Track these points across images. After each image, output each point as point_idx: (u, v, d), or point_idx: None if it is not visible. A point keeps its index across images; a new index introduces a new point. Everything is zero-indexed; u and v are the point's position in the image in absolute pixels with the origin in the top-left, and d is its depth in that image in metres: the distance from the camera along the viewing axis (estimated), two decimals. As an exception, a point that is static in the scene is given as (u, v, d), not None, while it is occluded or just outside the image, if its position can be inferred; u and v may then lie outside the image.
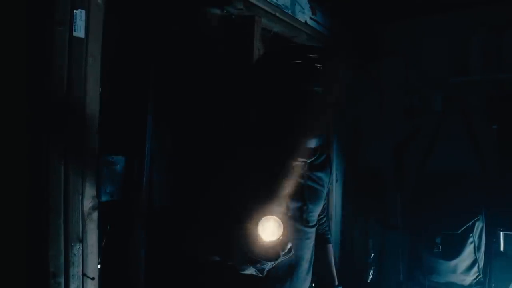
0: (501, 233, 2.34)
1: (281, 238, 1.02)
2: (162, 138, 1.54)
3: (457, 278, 2.35)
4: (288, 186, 1.19)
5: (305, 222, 1.28)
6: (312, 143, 1.26)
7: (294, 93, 1.17)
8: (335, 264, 1.55)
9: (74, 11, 1.17)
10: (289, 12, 2.11)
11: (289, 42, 2.23)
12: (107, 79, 1.33)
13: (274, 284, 1.21)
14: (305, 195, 1.27)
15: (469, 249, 2.30)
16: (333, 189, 2.76)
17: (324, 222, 1.53)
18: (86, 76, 1.22)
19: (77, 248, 1.21)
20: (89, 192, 1.25)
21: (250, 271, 1.07)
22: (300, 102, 1.17)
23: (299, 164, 1.25)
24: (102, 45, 1.27)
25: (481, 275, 2.34)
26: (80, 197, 1.22)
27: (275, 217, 1.03)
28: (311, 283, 1.41)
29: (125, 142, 1.45)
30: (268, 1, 1.91)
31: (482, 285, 2.35)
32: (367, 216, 2.93)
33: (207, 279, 1.26)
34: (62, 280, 1.17)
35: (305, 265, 1.31)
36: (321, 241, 1.49)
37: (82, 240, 1.23)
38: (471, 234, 2.30)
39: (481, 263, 2.32)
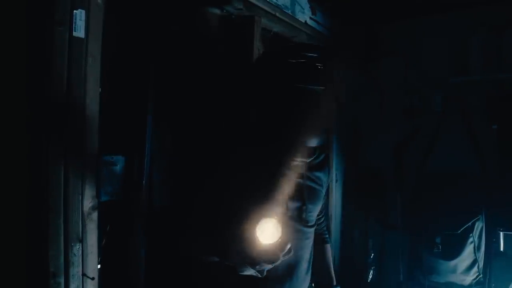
0: (501, 233, 2.35)
1: (280, 240, 1.01)
2: (162, 138, 1.54)
3: (457, 278, 2.35)
4: (287, 186, 1.19)
5: (304, 222, 1.28)
6: (313, 142, 1.25)
7: (292, 92, 1.16)
8: (334, 264, 1.55)
9: (74, 11, 1.17)
10: (289, 12, 2.12)
11: (289, 42, 2.23)
12: (107, 79, 1.33)
13: (273, 284, 1.21)
14: (304, 195, 1.26)
15: (469, 249, 2.30)
16: (333, 189, 2.76)
17: (322, 222, 1.53)
18: (86, 76, 1.22)
19: (77, 248, 1.21)
20: (89, 192, 1.25)
21: (250, 272, 1.06)
22: (298, 101, 1.17)
23: (298, 164, 1.25)
24: (102, 45, 1.27)
25: (481, 275, 2.34)
26: (80, 197, 1.22)
27: (274, 219, 1.02)
28: (310, 283, 1.41)
29: (125, 142, 1.45)
30: (268, 1, 1.92)
31: (482, 285, 2.35)
32: (367, 216, 2.93)
33: (203, 279, 1.26)
34: (62, 280, 1.17)
35: (305, 265, 1.31)
36: (319, 241, 1.49)
37: (82, 240, 1.23)
38: (471, 234, 2.30)
39: (481, 263, 2.32)
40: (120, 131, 1.45)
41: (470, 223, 2.30)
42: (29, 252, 1.15)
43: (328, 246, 1.57)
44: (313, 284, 1.54)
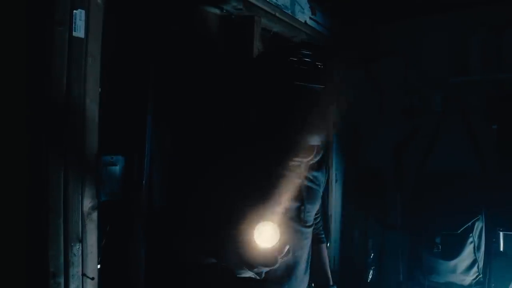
0: (501, 233, 2.35)
1: (278, 243, 1.00)
2: (161, 138, 1.54)
3: (456, 278, 2.35)
4: (286, 186, 1.19)
5: (303, 223, 1.28)
6: (312, 141, 1.25)
7: (292, 90, 1.16)
8: (334, 264, 1.55)
9: (74, 11, 1.17)
10: (289, 12, 2.12)
11: (289, 42, 2.23)
12: (107, 79, 1.33)
13: (272, 285, 1.20)
14: (303, 195, 1.26)
15: (468, 249, 2.30)
16: (333, 189, 2.76)
17: (319, 222, 1.53)
18: (86, 76, 1.22)
19: (77, 248, 1.21)
20: (89, 192, 1.25)
21: (248, 274, 1.06)
22: (297, 99, 1.17)
23: (296, 163, 1.25)
24: (102, 45, 1.27)
25: (481, 275, 2.34)
26: (80, 197, 1.22)
27: (271, 223, 1.02)
28: (310, 283, 1.41)
29: (125, 142, 1.45)
30: (267, 1, 1.92)
31: (482, 285, 2.35)
32: (367, 216, 2.93)
33: (201, 280, 1.25)
34: (62, 280, 1.17)
35: (303, 265, 1.30)
36: (315, 241, 1.49)
37: (82, 240, 1.23)
38: (470, 234, 2.30)
39: (480, 263, 2.32)
40: (120, 131, 1.45)
41: (470, 223, 2.30)
42: (29, 252, 1.15)
43: (324, 246, 1.57)
44: (313, 284, 1.54)
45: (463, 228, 2.30)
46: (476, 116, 2.57)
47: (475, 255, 2.31)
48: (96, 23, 1.24)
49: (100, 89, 1.27)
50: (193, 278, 1.27)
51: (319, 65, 1.18)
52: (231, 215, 1.08)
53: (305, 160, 1.26)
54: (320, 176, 1.35)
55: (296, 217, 1.25)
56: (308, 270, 1.35)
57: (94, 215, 1.27)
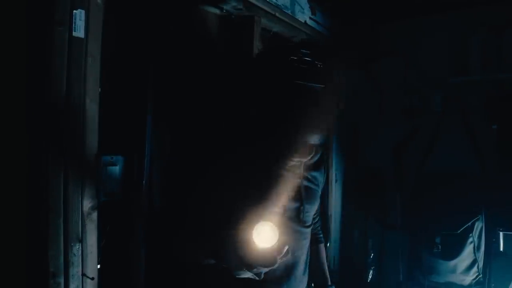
0: (501, 233, 2.35)
1: (277, 244, 1.00)
2: (161, 138, 1.54)
3: (456, 278, 2.35)
4: (285, 187, 1.19)
5: (302, 223, 1.27)
6: (312, 140, 1.24)
7: (291, 88, 1.16)
8: (334, 264, 1.55)
9: (74, 11, 1.17)
10: (289, 12, 2.11)
11: (289, 42, 2.23)
12: (106, 79, 1.33)
13: (271, 286, 1.20)
14: (302, 196, 1.26)
15: (468, 249, 2.30)
16: (333, 189, 2.76)
17: (317, 221, 1.52)
18: (86, 76, 1.22)
19: (76, 248, 1.21)
20: (89, 192, 1.25)
21: (247, 275, 1.05)
22: (297, 98, 1.16)
23: (295, 163, 1.25)
24: (102, 45, 1.27)
25: (481, 275, 2.34)
26: (80, 197, 1.22)
27: (270, 223, 1.01)
28: (310, 284, 1.41)
29: (124, 142, 1.45)
30: (267, 1, 1.92)
31: (482, 285, 2.35)
32: (366, 216, 2.93)
33: (199, 281, 1.25)
34: (62, 280, 1.17)
35: (302, 265, 1.30)
36: (313, 241, 1.48)
37: (81, 240, 1.23)
38: (470, 234, 2.30)
39: (480, 263, 2.32)
40: (120, 131, 1.45)
41: (469, 223, 2.30)
42: (29, 252, 1.15)
43: (322, 246, 1.57)
44: (312, 284, 1.54)
45: (463, 228, 2.30)
46: (476, 116, 2.57)
47: (475, 255, 2.31)
48: (96, 23, 1.24)
49: (100, 89, 1.27)
50: (193, 278, 1.27)
51: (319, 64, 1.18)
52: (231, 215, 1.08)
53: (303, 160, 1.26)
54: (319, 176, 1.35)
55: (295, 218, 1.25)
56: (307, 271, 1.35)
57: (94, 215, 1.27)
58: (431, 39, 2.72)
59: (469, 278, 2.34)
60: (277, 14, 1.98)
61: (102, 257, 1.32)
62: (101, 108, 1.27)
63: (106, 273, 1.36)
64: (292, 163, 1.24)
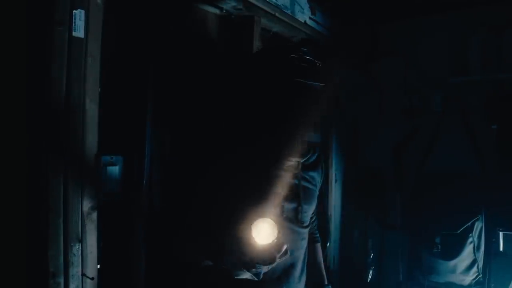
0: (501, 233, 2.35)
1: (276, 240, 1.00)
2: (161, 138, 1.54)
3: (456, 278, 2.35)
4: (283, 187, 1.19)
5: (300, 223, 1.27)
6: (312, 138, 1.24)
7: (291, 86, 1.15)
8: (334, 264, 1.55)
9: (74, 11, 1.17)
10: (289, 12, 2.11)
11: (289, 42, 2.23)
12: (106, 79, 1.33)
13: (270, 286, 1.20)
14: (300, 196, 1.26)
15: (468, 249, 2.30)
16: (333, 189, 2.76)
17: (314, 221, 1.52)
18: (86, 76, 1.22)
19: (76, 248, 1.21)
20: (89, 192, 1.25)
21: (246, 275, 1.05)
22: (297, 95, 1.16)
23: (292, 164, 1.25)
24: (102, 45, 1.27)
25: (481, 275, 2.34)
26: (80, 197, 1.22)
27: (269, 219, 1.01)
28: (310, 284, 1.41)
29: (124, 142, 1.45)
30: (267, 1, 1.91)
31: (482, 285, 2.35)
32: (366, 216, 2.93)
33: (198, 282, 1.25)
34: (62, 280, 1.17)
35: (300, 266, 1.30)
36: (310, 240, 1.48)
37: (81, 240, 1.23)
38: (470, 234, 2.30)
39: (480, 263, 2.32)
40: (120, 131, 1.45)
41: (469, 223, 2.30)
42: (29, 252, 1.15)
43: (319, 246, 1.57)
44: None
45: (462, 228, 2.30)
46: (475, 116, 2.57)
47: (474, 255, 2.31)
48: (96, 23, 1.25)
49: (100, 89, 1.27)
50: (193, 278, 1.27)
51: (318, 63, 1.18)
52: (230, 215, 1.08)
53: (301, 160, 1.26)
54: (316, 176, 1.35)
55: (293, 218, 1.25)
56: (305, 271, 1.35)
57: (94, 215, 1.27)
58: (431, 39, 2.72)
59: (469, 278, 2.34)
60: (277, 14, 1.98)
61: (102, 257, 1.32)
62: (101, 108, 1.27)
63: (106, 273, 1.36)
64: (290, 163, 1.24)
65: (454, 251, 2.31)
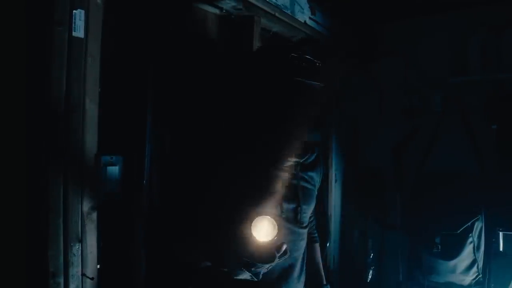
0: (501, 233, 2.34)
1: (275, 238, 0.99)
2: (161, 138, 1.54)
3: (456, 278, 2.35)
4: (282, 187, 1.18)
5: (299, 224, 1.27)
6: (311, 138, 1.24)
7: (290, 85, 1.15)
8: (334, 264, 1.55)
9: (74, 11, 1.17)
10: (289, 12, 2.11)
11: (288, 41, 2.24)
12: (106, 79, 1.33)
13: (269, 287, 1.20)
14: (299, 196, 1.26)
15: (468, 249, 2.30)
16: (333, 189, 2.76)
17: (312, 221, 1.52)
18: (86, 76, 1.22)
19: (76, 248, 1.21)
20: (89, 192, 1.25)
21: (245, 276, 1.04)
22: (296, 94, 1.16)
23: (292, 163, 1.24)
24: (102, 45, 1.27)
25: (481, 275, 2.34)
26: (80, 197, 1.22)
27: (269, 217, 1.01)
28: (311, 286, 1.41)
29: (124, 142, 1.45)
30: (267, 1, 1.91)
31: (482, 285, 2.35)
32: (366, 216, 2.93)
33: (200, 280, 1.24)
34: (62, 280, 1.17)
35: (299, 266, 1.30)
36: (308, 240, 1.48)
37: (81, 240, 1.23)
38: (470, 234, 2.30)
39: (480, 263, 2.32)
40: (120, 131, 1.45)
41: (469, 223, 2.30)
42: (29, 252, 1.15)
43: (317, 245, 1.56)
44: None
45: (462, 228, 2.29)
46: (475, 116, 2.56)
47: (474, 255, 2.30)
48: (96, 23, 1.25)
49: (99, 89, 1.27)
50: (193, 278, 1.27)
51: (318, 63, 1.17)
52: (230, 215, 1.08)
53: (300, 160, 1.26)
54: (315, 176, 1.35)
55: (293, 219, 1.25)
56: (304, 272, 1.35)
57: (94, 215, 1.27)
58: (431, 39, 2.72)
59: (468, 278, 2.34)
60: (276, 14, 1.98)
61: (102, 257, 1.32)
62: (101, 108, 1.27)
63: (106, 273, 1.36)
64: (289, 163, 1.23)
65: (454, 251, 2.31)
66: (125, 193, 1.42)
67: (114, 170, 1.37)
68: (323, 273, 1.54)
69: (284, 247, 1.01)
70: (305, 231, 1.32)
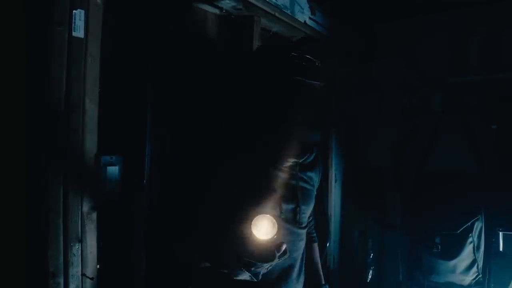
0: (500, 233, 2.34)
1: (275, 237, 0.99)
2: (161, 138, 1.54)
3: (456, 278, 2.35)
4: (281, 188, 1.18)
5: (298, 224, 1.27)
6: (311, 137, 1.24)
7: (290, 84, 1.15)
8: (334, 264, 1.55)
9: (73, 11, 1.17)
10: (288, 12, 2.11)
11: (288, 41, 2.23)
12: (106, 79, 1.33)
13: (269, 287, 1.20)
14: (298, 196, 1.26)
15: (468, 249, 2.30)
16: (333, 189, 2.76)
17: (311, 221, 1.52)
18: (85, 76, 1.22)
19: (76, 248, 1.21)
20: (89, 192, 1.25)
21: (245, 276, 1.04)
22: (296, 94, 1.16)
23: (291, 164, 1.24)
24: (101, 45, 1.27)
25: (480, 275, 2.34)
26: (80, 197, 1.22)
27: (269, 216, 1.01)
28: (310, 286, 1.40)
29: (124, 142, 1.45)
30: (267, 1, 1.91)
31: (481, 285, 2.35)
32: (366, 216, 2.93)
33: (200, 280, 1.24)
34: (62, 280, 1.17)
35: (298, 267, 1.30)
36: (307, 240, 1.48)
37: (81, 240, 1.23)
38: (470, 234, 2.30)
39: (480, 263, 2.32)
40: (120, 131, 1.45)
41: (469, 223, 2.30)
42: (29, 252, 1.15)
43: (316, 245, 1.56)
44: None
45: (462, 228, 2.29)
46: (475, 116, 2.56)
47: (474, 255, 2.30)
48: (96, 23, 1.25)
49: (99, 89, 1.27)
50: (193, 278, 1.27)
51: (318, 62, 1.17)
52: (230, 215, 1.07)
53: (299, 160, 1.26)
54: (314, 176, 1.35)
55: (292, 219, 1.24)
56: (303, 272, 1.35)
57: (94, 215, 1.27)
58: (431, 39, 2.72)
59: (468, 278, 2.34)
60: (276, 14, 1.98)
61: (102, 257, 1.32)
62: (100, 108, 1.27)
63: (106, 273, 1.36)
64: (288, 163, 1.23)
65: (454, 251, 2.31)
66: (125, 193, 1.42)
67: (114, 170, 1.37)
68: (321, 273, 1.54)
69: (284, 246, 1.00)
70: (304, 231, 1.32)
